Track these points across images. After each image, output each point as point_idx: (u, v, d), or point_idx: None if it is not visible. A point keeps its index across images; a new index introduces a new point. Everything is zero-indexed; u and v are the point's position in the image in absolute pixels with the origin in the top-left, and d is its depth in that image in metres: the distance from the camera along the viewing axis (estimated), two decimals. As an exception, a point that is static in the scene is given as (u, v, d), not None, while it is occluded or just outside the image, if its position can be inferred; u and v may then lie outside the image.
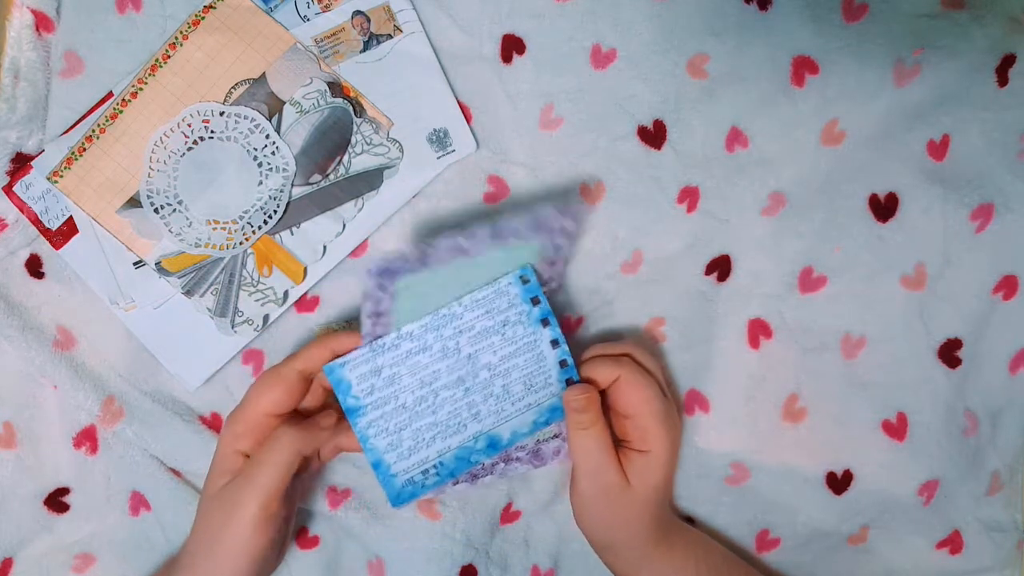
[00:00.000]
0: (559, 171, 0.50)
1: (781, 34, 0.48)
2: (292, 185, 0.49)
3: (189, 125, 0.48)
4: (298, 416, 0.45)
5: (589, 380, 0.46)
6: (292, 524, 0.47)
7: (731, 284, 0.51)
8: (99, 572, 0.51)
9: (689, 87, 0.49)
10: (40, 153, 0.48)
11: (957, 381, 0.51)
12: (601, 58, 0.49)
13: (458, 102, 0.49)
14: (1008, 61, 0.48)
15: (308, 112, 0.48)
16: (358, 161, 0.49)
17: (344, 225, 0.49)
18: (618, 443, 0.46)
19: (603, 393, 0.46)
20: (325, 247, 0.49)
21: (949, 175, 0.50)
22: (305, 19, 0.48)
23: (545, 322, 0.46)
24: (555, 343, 0.46)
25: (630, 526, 0.46)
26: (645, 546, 0.46)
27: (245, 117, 0.48)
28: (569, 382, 0.46)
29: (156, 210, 0.48)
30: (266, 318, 0.50)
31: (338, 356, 0.43)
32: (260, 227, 0.49)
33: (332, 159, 0.49)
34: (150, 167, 0.48)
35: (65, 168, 0.47)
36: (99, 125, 0.47)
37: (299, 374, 0.44)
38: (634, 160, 0.49)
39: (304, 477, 0.47)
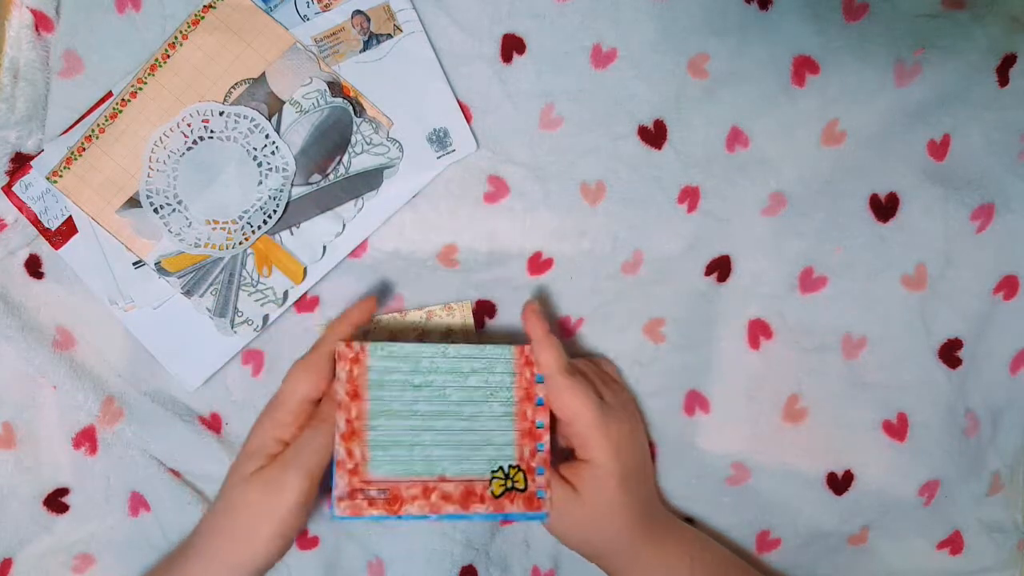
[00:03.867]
0: (559, 171, 0.50)
1: (782, 34, 0.48)
2: (292, 185, 0.49)
3: (189, 125, 0.48)
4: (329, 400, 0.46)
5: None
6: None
7: (731, 284, 0.51)
8: (98, 573, 0.51)
9: (690, 87, 0.49)
10: (39, 153, 0.48)
11: (958, 381, 0.51)
12: (601, 58, 0.48)
13: (458, 102, 0.49)
14: (1009, 61, 0.48)
15: (308, 112, 0.48)
16: (358, 161, 0.49)
17: (344, 225, 0.49)
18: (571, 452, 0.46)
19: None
20: (325, 247, 0.49)
21: (950, 175, 0.50)
22: (305, 19, 0.48)
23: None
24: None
25: (603, 534, 0.45)
26: (631, 548, 0.46)
27: (245, 117, 0.48)
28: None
29: (156, 210, 0.48)
30: (266, 318, 0.50)
31: (356, 325, 0.46)
32: (260, 227, 0.49)
33: (332, 159, 0.49)
34: (150, 167, 0.48)
35: (64, 168, 0.47)
36: (98, 125, 0.47)
37: (328, 357, 0.44)
38: (635, 160, 0.49)
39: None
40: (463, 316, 0.50)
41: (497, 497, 0.45)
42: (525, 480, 0.45)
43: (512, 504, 0.45)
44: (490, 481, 0.45)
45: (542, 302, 0.51)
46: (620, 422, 0.46)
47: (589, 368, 0.48)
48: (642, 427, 0.50)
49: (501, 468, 0.45)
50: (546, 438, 0.45)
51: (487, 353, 0.45)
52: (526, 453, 0.45)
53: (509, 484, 0.45)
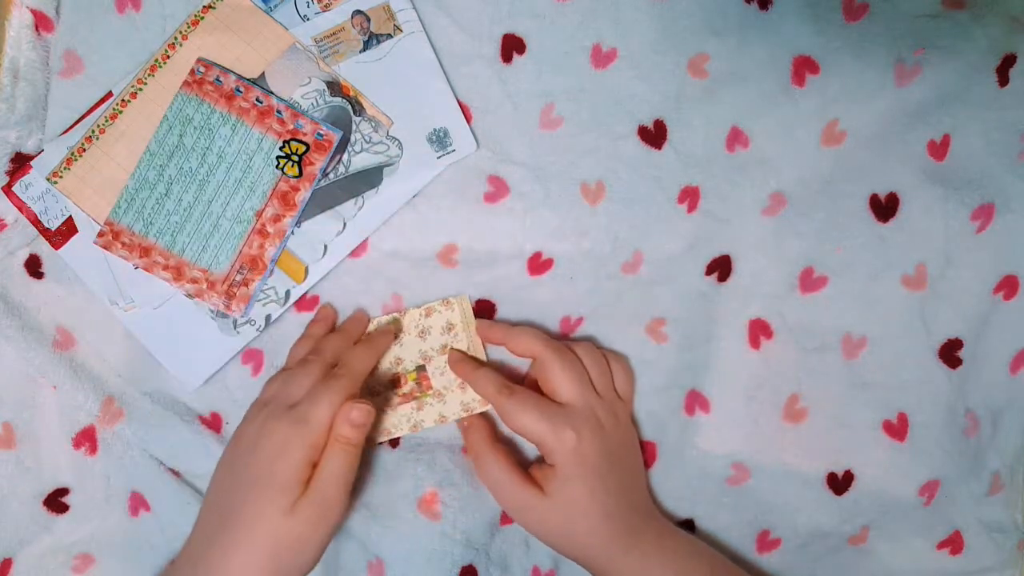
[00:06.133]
0: (559, 171, 0.50)
1: (782, 34, 0.48)
2: (292, 185, 0.49)
3: (189, 125, 0.48)
4: None
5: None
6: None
7: (732, 284, 0.51)
8: (98, 573, 0.51)
9: (690, 87, 0.49)
10: (39, 153, 0.48)
11: (958, 381, 0.51)
12: (602, 58, 0.48)
13: (458, 102, 0.49)
14: (1009, 61, 0.48)
15: (307, 111, 0.48)
16: (358, 159, 0.49)
17: (344, 224, 0.49)
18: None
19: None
20: (326, 246, 0.49)
21: (950, 175, 0.50)
22: (305, 19, 0.48)
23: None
24: None
25: (574, 538, 0.46)
26: (607, 556, 0.46)
27: (245, 117, 0.48)
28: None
29: (156, 210, 0.48)
30: (268, 318, 0.50)
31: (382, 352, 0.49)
32: (260, 227, 0.49)
33: (332, 158, 0.49)
34: (150, 167, 0.48)
35: (65, 168, 0.47)
36: (99, 125, 0.47)
37: (353, 387, 0.45)
38: (635, 160, 0.49)
39: None
40: (462, 310, 0.50)
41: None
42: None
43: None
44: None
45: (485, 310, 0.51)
46: (580, 428, 0.46)
47: (587, 356, 0.48)
48: (626, 433, 0.49)
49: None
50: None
51: None
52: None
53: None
